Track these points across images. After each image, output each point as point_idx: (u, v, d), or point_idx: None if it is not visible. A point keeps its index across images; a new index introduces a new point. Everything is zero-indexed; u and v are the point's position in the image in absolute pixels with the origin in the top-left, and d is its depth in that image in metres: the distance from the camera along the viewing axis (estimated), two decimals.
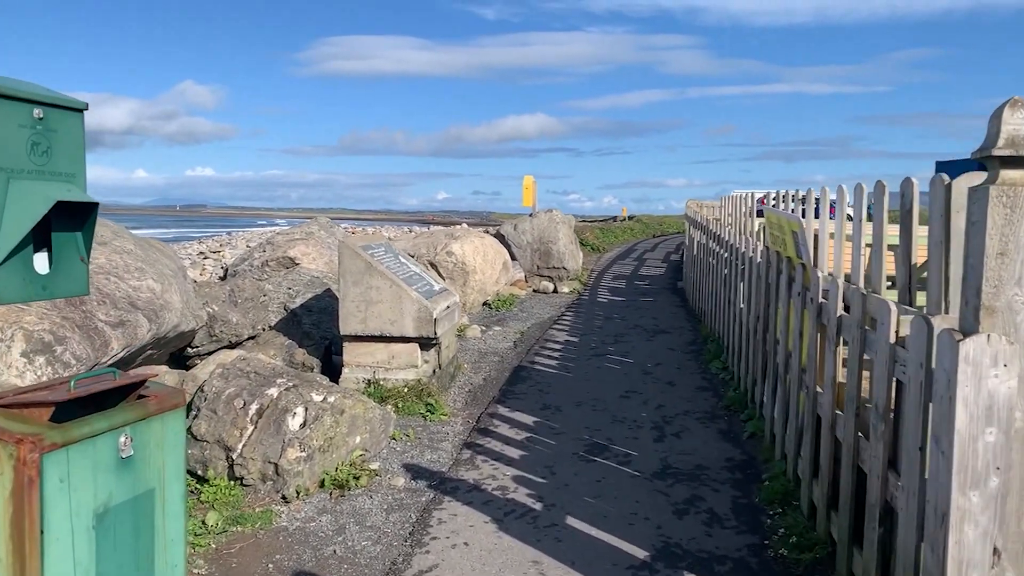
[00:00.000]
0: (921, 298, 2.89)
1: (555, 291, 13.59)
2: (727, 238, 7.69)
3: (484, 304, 11.52)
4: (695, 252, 11.48)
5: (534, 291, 13.71)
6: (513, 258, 14.26)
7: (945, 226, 2.52)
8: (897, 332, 2.76)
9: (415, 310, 6.33)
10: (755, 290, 5.70)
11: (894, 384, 2.78)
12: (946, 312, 2.50)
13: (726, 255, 7.76)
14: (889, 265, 3.34)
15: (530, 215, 14.81)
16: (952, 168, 27.44)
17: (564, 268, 14.02)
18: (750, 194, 8.31)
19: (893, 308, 2.80)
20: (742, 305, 6.52)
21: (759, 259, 5.64)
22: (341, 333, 6.52)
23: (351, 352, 6.55)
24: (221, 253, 21.75)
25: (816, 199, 4.60)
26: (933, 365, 2.31)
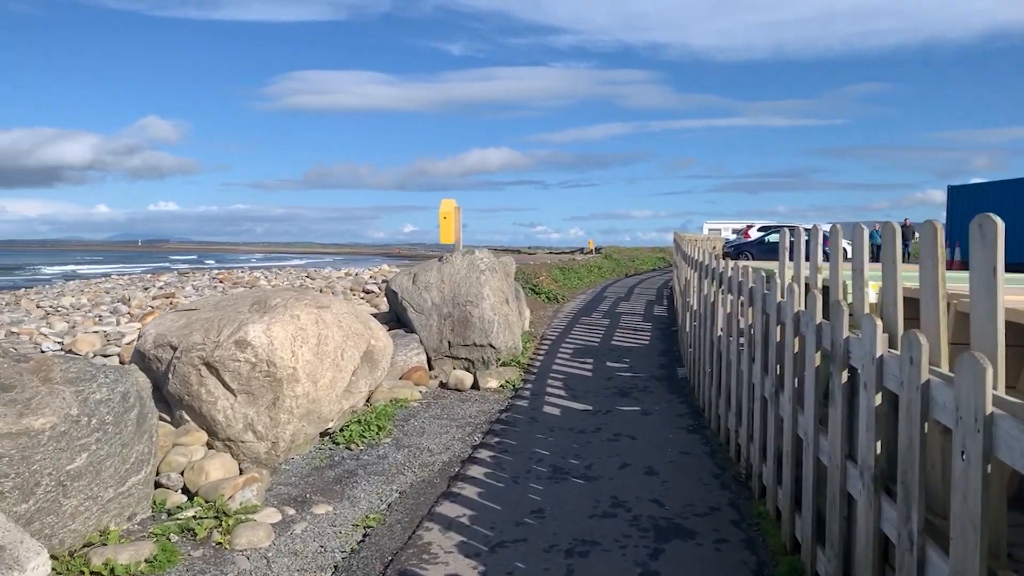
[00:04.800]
0: None
1: (475, 386, 8.59)
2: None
3: (324, 435, 6.46)
4: (717, 330, 6.63)
5: (441, 386, 8.70)
6: (411, 330, 9.27)
7: None
8: None
9: None
10: None
11: None
12: None
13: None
14: None
15: (440, 260, 9.85)
16: (964, 193, 23.33)
17: (491, 346, 9.06)
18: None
19: None
20: None
21: None
22: None
23: None
24: (63, 321, 11.38)
25: None
26: None
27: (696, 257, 9.08)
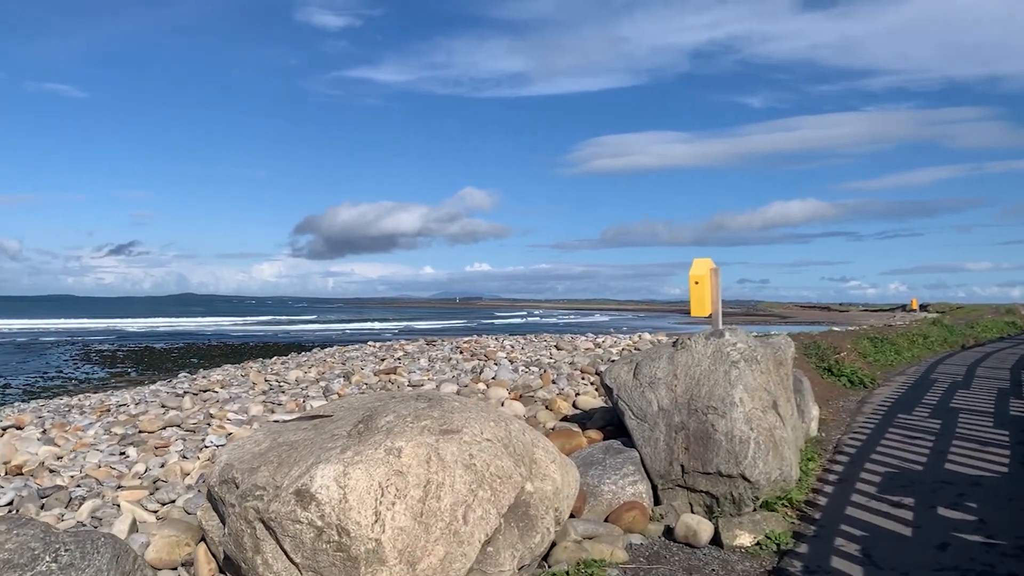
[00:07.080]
0: None
1: (716, 541, 5.84)
2: None
3: None
4: None
5: (666, 534, 6.08)
6: (630, 442, 6.83)
7: None
8: None
9: None
10: None
11: None
12: None
13: None
14: None
15: (674, 344, 7.29)
16: None
17: (744, 477, 6.24)
18: None
19: None
20: None
21: None
22: None
23: None
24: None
25: None
26: None
27: None
